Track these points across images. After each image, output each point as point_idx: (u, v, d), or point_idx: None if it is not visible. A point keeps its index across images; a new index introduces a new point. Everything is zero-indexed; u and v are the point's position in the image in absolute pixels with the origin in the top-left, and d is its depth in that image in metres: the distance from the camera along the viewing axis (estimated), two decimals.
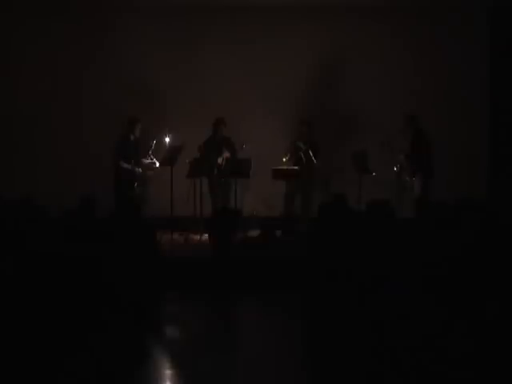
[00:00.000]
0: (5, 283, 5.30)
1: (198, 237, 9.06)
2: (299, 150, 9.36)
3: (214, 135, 9.38)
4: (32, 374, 4.57)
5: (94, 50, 10.13)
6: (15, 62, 10.16)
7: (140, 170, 9.05)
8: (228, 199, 9.32)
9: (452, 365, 4.57)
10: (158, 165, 9.05)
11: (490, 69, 10.21)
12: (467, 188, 9.18)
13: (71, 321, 5.20)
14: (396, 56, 10.20)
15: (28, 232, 5.75)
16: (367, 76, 10.13)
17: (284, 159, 9.27)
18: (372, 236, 5.71)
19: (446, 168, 9.38)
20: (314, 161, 9.26)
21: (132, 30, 10.06)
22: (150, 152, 9.02)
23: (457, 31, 10.10)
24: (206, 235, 8.42)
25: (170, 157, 8.97)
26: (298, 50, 10.16)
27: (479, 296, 4.98)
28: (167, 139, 9.16)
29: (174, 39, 10.16)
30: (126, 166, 8.98)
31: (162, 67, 10.13)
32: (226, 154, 9.32)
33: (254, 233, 8.43)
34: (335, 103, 10.30)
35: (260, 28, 10.19)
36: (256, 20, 10.16)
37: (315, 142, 9.42)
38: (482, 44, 10.18)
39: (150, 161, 9.05)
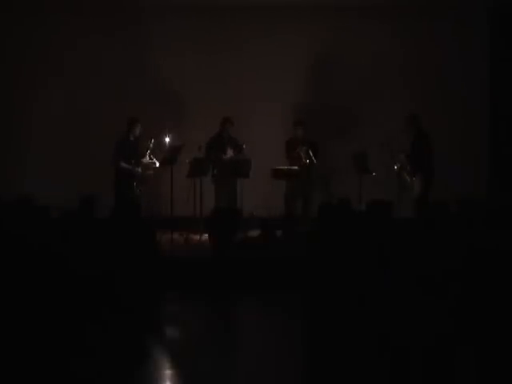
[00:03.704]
0: (5, 284, 5.30)
1: (197, 237, 9.05)
2: (297, 151, 9.35)
3: (221, 134, 9.39)
4: (32, 374, 4.57)
5: (93, 50, 10.13)
6: (15, 62, 10.16)
7: (139, 169, 9.04)
8: (232, 199, 9.31)
9: (453, 365, 4.57)
10: (157, 165, 9.05)
11: (490, 69, 10.22)
12: (467, 188, 9.19)
13: (71, 321, 5.20)
14: (396, 56, 10.20)
15: (28, 232, 5.74)
16: (367, 76, 10.13)
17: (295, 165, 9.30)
18: (372, 236, 5.71)
19: (446, 168, 9.38)
20: (314, 161, 9.26)
21: (133, 30, 10.07)
22: (149, 152, 9.02)
23: (457, 31, 10.10)
24: (206, 235, 8.42)
25: (170, 157, 8.98)
26: (297, 50, 10.16)
27: (480, 296, 4.97)
28: (167, 139, 9.16)
29: (175, 39, 10.16)
30: (125, 166, 8.98)
31: (161, 67, 10.13)
32: (231, 153, 9.33)
33: (254, 233, 8.44)
34: (335, 103, 10.28)
35: (258, 28, 10.20)
36: (254, 20, 10.16)
37: (314, 142, 9.42)
38: (482, 44, 10.19)
39: (149, 161, 9.06)
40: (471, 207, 5.75)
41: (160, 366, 5.04)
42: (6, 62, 10.16)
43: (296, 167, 9.26)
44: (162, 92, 10.13)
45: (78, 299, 5.37)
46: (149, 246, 6.18)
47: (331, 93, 10.33)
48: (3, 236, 5.67)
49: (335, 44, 10.19)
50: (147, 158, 9.04)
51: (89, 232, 5.94)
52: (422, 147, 8.88)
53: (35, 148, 10.09)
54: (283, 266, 6.77)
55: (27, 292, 5.25)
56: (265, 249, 7.40)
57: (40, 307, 5.19)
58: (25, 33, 10.09)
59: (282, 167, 9.27)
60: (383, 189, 8.65)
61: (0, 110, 10.12)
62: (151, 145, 9.02)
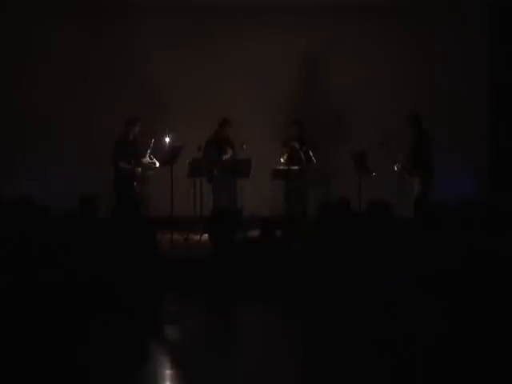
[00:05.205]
0: (5, 284, 5.31)
1: (197, 237, 9.05)
2: (297, 151, 9.33)
3: (218, 134, 9.37)
4: (32, 373, 4.57)
5: (94, 50, 10.13)
6: (16, 62, 10.16)
7: (139, 169, 9.04)
8: (232, 199, 9.30)
9: (453, 365, 4.58)
10: (157, 165, 9.05)
11: (490, 69, 10.22)
12: (467, 188, 9.20)
13: (71, 321, 5.20)
14: (395, 56, 10.21)
15: (28, 232, 5.74)
16: (367, 76, 10.13)
17: (282, 159, 9.27)
18: (372, 236, 5.71)
19: (446, 168, 9.38)
20: (314, 161, 9.26)
21: (134, 31, 10.08)
22: (149, 151, 9.02)
23: (457, 31, 10.11)
24: (206, 235, 8.42)
25: (170, 157, 8.98)
26: (296, 50, 10.16)
27: (479, 296, 4.98)
28: (167, 139, 9.17)
29: (174, 40, 10.16)
30: (125, 166, 8.97)
31: (161, 67, 10.14)
32: (230, 153, 9.34)
33: (254, 233, 8.44)
34: (335, 103, 10.29)
35: (256, 28, 10.20)
36: (253, 20, 10.17)
37: (313, 143, 9.41)
38: (482, 44, 10.19)
39: (149, 161, 9.06)
40: (471, 208, 5.76)
41: (160, 365, 5.04)
42: (6, 61, 10.16)
43: (296, 167, 9.26)
44: (162, 92, 10.13)
45: (78, 299, 5.38)
46: (149, 245, 6.18)
47: (331, 93, 10.33)
48: (3, 236, 5.67)
49: (335, 44, 10.19)
50: (147, 158, 9.05)
51: (89, 232, 5.95)
52: (421, 147, 8.88)
53: (35, 148, 10.09)
54: (283, 266, 6.77)
55: (27, 292, 5.26)
56: (265, 249, 7.40)
57: (40, 307, 5.19)
58: (25, 33, 10.09)
59: (282, 167, 9.27)
60: (383, 189, 8.64)
61: (0, 109, 10.12)
62: (152, 145, 9.02)
